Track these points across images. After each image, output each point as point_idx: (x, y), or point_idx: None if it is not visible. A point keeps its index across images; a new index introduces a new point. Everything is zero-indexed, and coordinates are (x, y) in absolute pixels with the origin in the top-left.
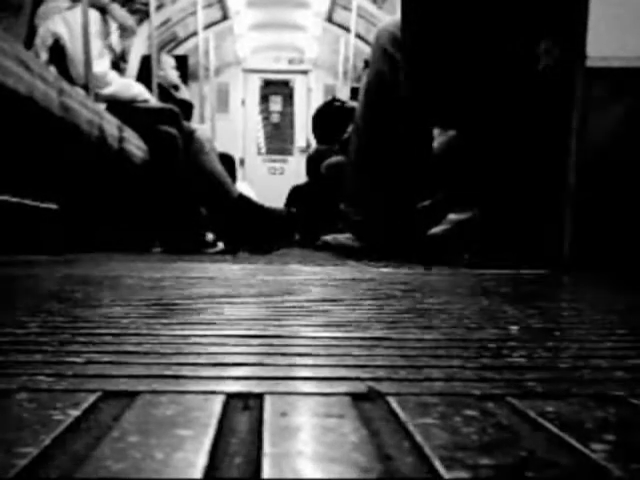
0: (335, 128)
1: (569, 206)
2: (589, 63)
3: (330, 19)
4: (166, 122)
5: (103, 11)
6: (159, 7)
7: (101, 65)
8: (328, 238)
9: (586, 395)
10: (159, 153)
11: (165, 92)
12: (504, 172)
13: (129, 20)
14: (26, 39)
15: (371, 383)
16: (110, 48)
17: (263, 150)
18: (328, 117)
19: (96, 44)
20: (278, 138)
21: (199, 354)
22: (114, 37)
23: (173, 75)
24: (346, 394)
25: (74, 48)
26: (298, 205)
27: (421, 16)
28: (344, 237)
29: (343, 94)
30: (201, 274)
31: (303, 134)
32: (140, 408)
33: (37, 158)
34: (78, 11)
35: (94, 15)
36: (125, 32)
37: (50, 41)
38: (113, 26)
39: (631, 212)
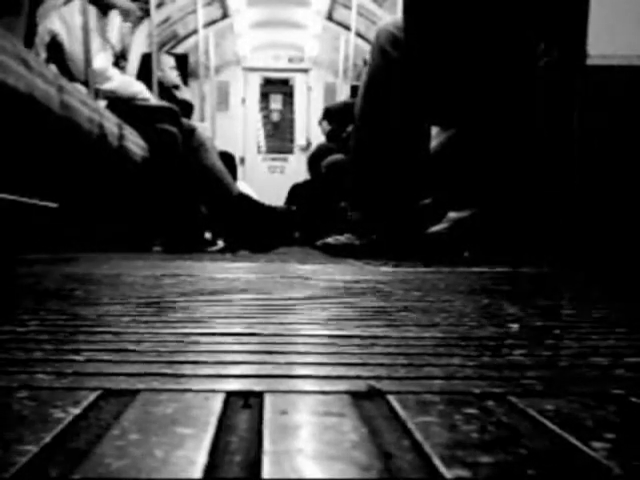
0: (339, 126)
1: (569, 204)
2: (589, 61)
3: (330, 17)
4: (166, 120)
5: (100, 4)
6: (159, 5)
7: (101, 60)
8: (329, 240)
9: (586, 393)
10: (159, 151)
11: (166, 91)
12: (504, 171)
13: (129, 4)
14: (27, 38)
15: (371, 381)
16: (109, 43)
17: (263, 149)
18: (333, 116)
19: (95, 39)
20: (278, 136)
21: (199, 352)
22: (114, 33)
23: (172, 75)
24: (346, 392)
25: (71, 44)
26: (298, 203)
27: (423, 15)
28: (345, 237)
29: (343, 92)
30: (201, 272)
31: (303, 132)
32: (140, 406)
33: (37, 156)
34: (74, 7)
35: (90, 10)
36: (128, 18)
37: (47, 38)
38: (113, 18)
39: (631, 210)
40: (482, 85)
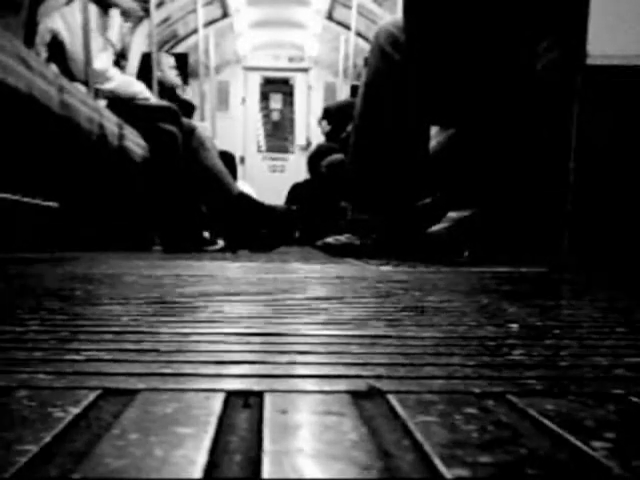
0: (339, 126)
1: (569, 204)
2: (589, 61)
3: (330, 17)
4: (166, 120)
5: (101, 3)
6: (159, 5)
7: (102, 60)
8: (329, 240)
9: (586, 393)
10: (159, 151)
11: (167, 91)
12: (504, 170)
13: (132, 3)
14: (27, 38)
15: (371, 381)
16: (110, 43)
17: (263, 148)
18: (333, 115)
19: (96, 39)
20: (278, 136)
21: (199, 352)
22: (115, 32)
23: (172, 75)
24: (346, 392)
25: (73, 44)
26: (298, 203)
27: (423, 15)
28: (345, 237)
29: (343, 92)
30: (201, 272)
31: (303, 132)
32: (140, 406)
33: (37, 156)
34: (76, 6)
35: (92, 9)
36: (129, 18)
37: (48, 38)
38: (114, 17)
39: (631, 210)
40: (482, 85)
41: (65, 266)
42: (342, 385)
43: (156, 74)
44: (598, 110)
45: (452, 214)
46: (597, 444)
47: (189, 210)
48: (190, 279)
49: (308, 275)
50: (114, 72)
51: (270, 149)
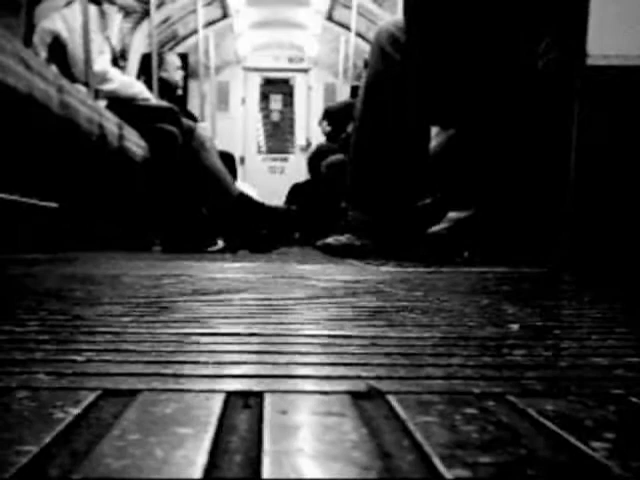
0: (339, 127)
1: (569, 204)
2: (589, 61)
3: (330, 17)
4: (166, 120)
5: (100, 3)
6: (159, 5)
7: (102, 62)
8: (329, 240)
9: (586, 393)
10: (159, 151)
11: (169, 91)
12: (504, 171)
13: (130, 0)
14: (25, 37)
15: (371, 381)
16: (108, 41)
17: (263, 149)
18: (334, 115)
19: (96, 39)
20: (278, 137)
21: (199, 352)
22: (114, 30)
23: (177, 75)
24: (346, 392)
25: (74, 45)
26: (298, 203)
27: (423, 15)
28: (345, 237)
29: (343, 92)
30: (201, 272)
31: (303, 132)
32: (140, 406)
33: (37, 156)
34: (76, 8)
35: (91, 9)
36: (129, 16)
37: (49, 39)
38: (111, 14)
39: (631, 210)
40: (482, 85)
41: (65, 266)
42: (342, 386)
43: (161, 74)
44: (598, 110)
45: (452, 214)
46: (597, 444)
47: (189, 210)
48: (190, 279)
49: (308, 275)
50: (114, 73)
51: (270, 150)
